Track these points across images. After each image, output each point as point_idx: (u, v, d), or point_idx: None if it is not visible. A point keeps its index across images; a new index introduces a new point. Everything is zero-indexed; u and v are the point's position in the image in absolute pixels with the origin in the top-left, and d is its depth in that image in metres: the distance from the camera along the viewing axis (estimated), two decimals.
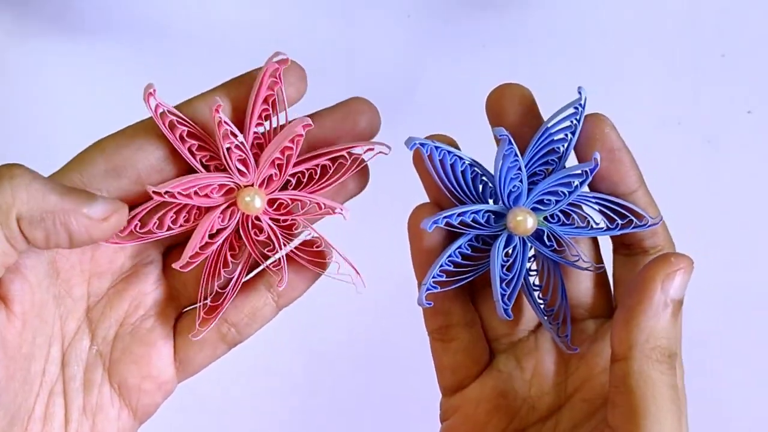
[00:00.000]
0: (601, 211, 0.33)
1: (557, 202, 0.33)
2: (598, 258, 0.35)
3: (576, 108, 0.32)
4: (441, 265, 0.33)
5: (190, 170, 0.32)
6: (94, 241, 0.30)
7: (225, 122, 0.30)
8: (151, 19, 0.62)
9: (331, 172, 0.33)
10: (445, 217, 0.32)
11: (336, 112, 0.33)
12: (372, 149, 0.33)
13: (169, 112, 0.31)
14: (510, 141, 0.31)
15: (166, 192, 0.30)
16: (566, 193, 0.32)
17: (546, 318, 0.34)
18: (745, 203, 0.58)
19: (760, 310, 0.58)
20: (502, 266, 0.33)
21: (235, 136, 0.31)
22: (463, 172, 0.32)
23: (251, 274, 0.35)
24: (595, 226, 0.33)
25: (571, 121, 0.32)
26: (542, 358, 0.35)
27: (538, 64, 0.59)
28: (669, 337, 0.30)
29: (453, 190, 0.32)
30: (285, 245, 0.33)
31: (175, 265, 0.32)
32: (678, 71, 0.59)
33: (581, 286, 0.34)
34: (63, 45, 0.60)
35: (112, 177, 0.31)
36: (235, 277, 0.33)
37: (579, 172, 0.32)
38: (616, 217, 0.33)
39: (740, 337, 0.57)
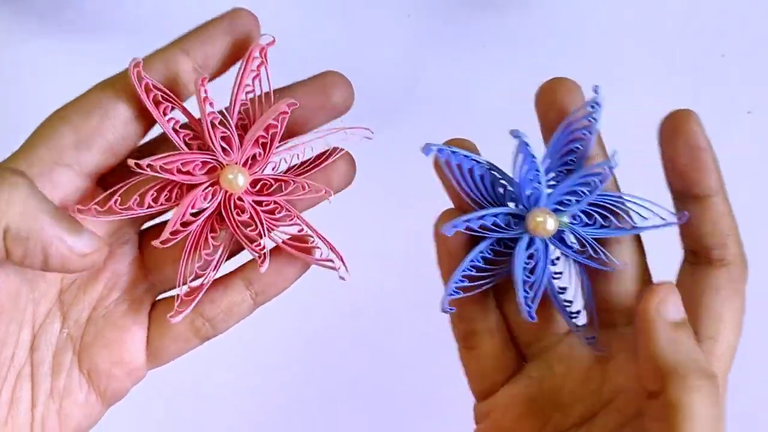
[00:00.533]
0: (621, 210, 0.33)
1: (578, 202, 0.32)
2: (642, 260, 0.34)
3: (592, 107, 0.32)
4: (463, 270, 0.32)
5: (164, 138, 0.32)
6: (64, 271, 0.29)
7: (207, 97, 0.30)
8: (151, 19, 0.62)
9: (313, 157, 0.33)
10: (464, 221, 0.32)
11: (310, 85, 0.33)
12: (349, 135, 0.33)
13: (153, 86, 0.30)
14: (526, 143, 0.31)
15: (148, 165, 0.30)
16: (586, 192, 0.32)
17: (572, 320, 0.33)
18: (745, 203, 0.58)
19: (760, 310, 0.58)
20: (525, 269, 0.32)
21: (219, 115, 0.31)
22: (481, 176, 0.32)
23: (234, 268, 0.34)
24: (618, 225, 0.33)
25: (589, 120, 0.32)
26: (576, 364, 0.34)
27: (538, 64, 0.59)
28: (696, 358, 0.29)
29: (473, 194, 0.32)
30: (268, 228, 0.32)
31: (155, 242, 0.31)
32: (678, 71, 0.59)
33: (620, 290, 0.33)
34: (63, 44, 0.60)
35: (84, 149, 0.30)
36: (216, 259, 0.33)
37: (599, 170, 0.32)
38: (640, 215, 0.32)
39: (740, 337, 0.57)
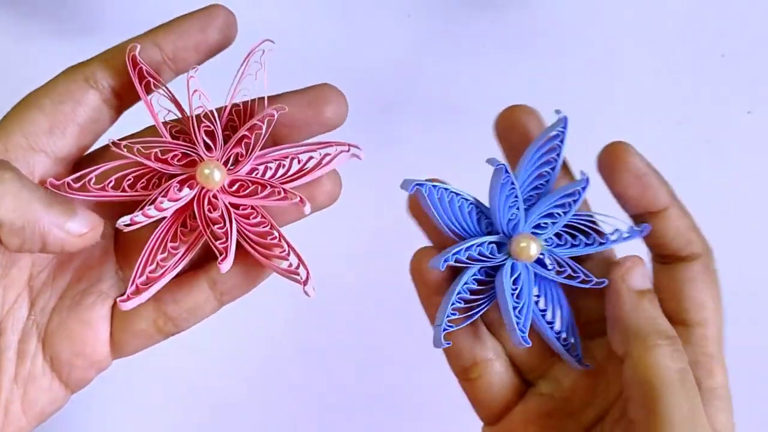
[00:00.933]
0: (591, 228, 0.34)
1: (554, 224, 0.33)
2: None
3: (559, 132, 0.33)
4: (452, 303, 0.32)
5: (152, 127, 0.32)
6: (64, 252, 0.30)
7: (197, 89, 0.30)
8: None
9: (299, 167, 0.32)
10: (454, 254, 0.32)
11: (302, 97, 0.32)
12: (344, 150, 0.32)
13: (147, 73, 0.30)
14: (506, 170, 0.31)
15: (125, 146, 0.30)
16: (562, 213, 0.33)
17: (555, 340, 0.34)
18: (745, 204, 0.58)
19: (760, 310, 0.58)
20: (512, 294, 0.33)
21: (211, 115, 0.31)
22: (460, 207, 0.33)
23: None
24: (587, 242, 0.34)
25: (556, 144, 0.33)
26: (582, 373, 0.35)
27: (538, 64, 0.59)
28: (658, 321, 0.31)
29: (453, 226, 0.33)
30: (238, 230, 0.32)
31: (119, 224, 0.31)
32: (678, 71, 0.59)
33: (602, 301, 0.34)
34: (63, 45, 0.60)
35: (57, 136, 0.30)
36: (179, 255, 0.32)
37: (572, 191, 0.33)
38: (605, 232, 0.34)
39: (740, 336, 0.57)
